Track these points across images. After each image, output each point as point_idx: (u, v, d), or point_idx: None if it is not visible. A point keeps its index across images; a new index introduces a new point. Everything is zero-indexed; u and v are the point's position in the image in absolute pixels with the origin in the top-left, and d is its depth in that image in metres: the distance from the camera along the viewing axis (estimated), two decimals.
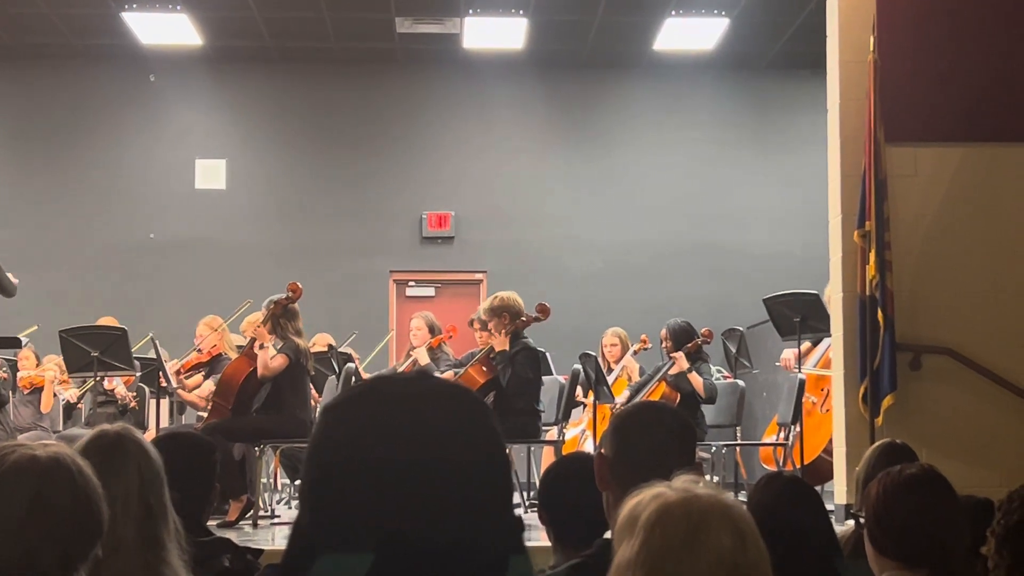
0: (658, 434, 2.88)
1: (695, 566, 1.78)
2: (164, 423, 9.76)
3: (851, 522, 3.77)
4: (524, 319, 8.64)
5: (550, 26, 13.56)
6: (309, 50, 14.36)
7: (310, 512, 1.38)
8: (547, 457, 9.91)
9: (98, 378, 9.40)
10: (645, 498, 1.86)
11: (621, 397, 9.47)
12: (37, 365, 10.67)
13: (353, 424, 1.38)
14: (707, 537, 1.79)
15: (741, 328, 10.90)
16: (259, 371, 8.20)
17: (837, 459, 7.51)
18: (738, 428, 9.78)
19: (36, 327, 10.61)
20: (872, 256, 7.02)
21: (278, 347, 8.25)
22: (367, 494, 1.33)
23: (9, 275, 8.78)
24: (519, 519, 1.43)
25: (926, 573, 2.88)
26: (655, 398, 8.93)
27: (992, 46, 7.52)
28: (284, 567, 1.42)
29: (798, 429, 8.72)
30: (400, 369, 10.09)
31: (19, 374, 10.49)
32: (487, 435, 1.41)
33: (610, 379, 9.82)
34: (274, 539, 7.30)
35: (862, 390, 7.12)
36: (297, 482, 10.15)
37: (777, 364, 9.78)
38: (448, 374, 8.57)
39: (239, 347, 9.40)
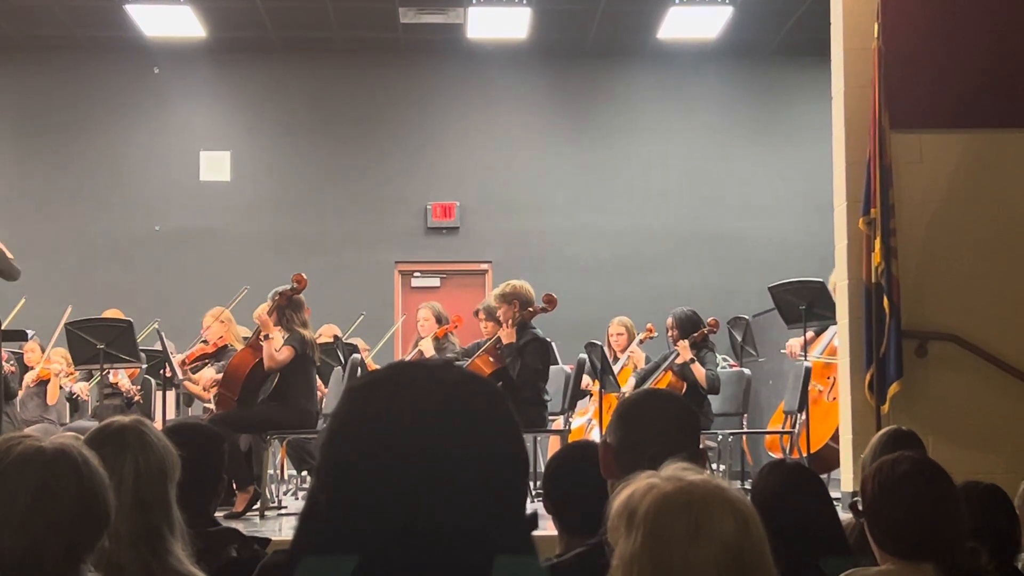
0: (662, 422, 2.88)
1: (701, 554, 1.78)
2: (170, 415, 9.77)
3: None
4: (532, 309, 8.65)
5: (553, 15, 13.55)
6: (313, 41, 14.35)
7: (329, 492, 1.38)
8: (553, 446, 9.91)
9: (104, 370, 9.41)
10: (638, 490, 1.86)
11: (627, 386, 9.47)
12: (42, 356, 10.67)
13: (377, 406, 1.38)
14: (710, 524, 1.79)
15: (747, 316, 10.89)
16: (265, 362, 8.21)
17: (843, 447, 7.51)
18: (744, 416, 9.77)
19: (24, 300, 10.60)
20: (877, 243, 7.01)
21: (284, 338, 8.26)
22: (387, 479, 1.33)
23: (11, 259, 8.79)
24: (534, 515, 1.43)
25: (932, 567, 2.88)
26: (662, 387, 8.93)
27: (996, 32, 7.50)
28: (296, 546, 1.41)
29: (804, 417, 8.72)
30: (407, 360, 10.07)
31: (27, 374, 10.49)
32: (508, 429, 1.41)
33: (616, 368, 9.82)
34: (281, 530, 7.32)
35: (868, 377, 7.11)
36: (304, 473, 10.17)
37: (782, 352, 9.78)
38: None
39: (245, 338, 9.41)
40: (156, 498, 2.77)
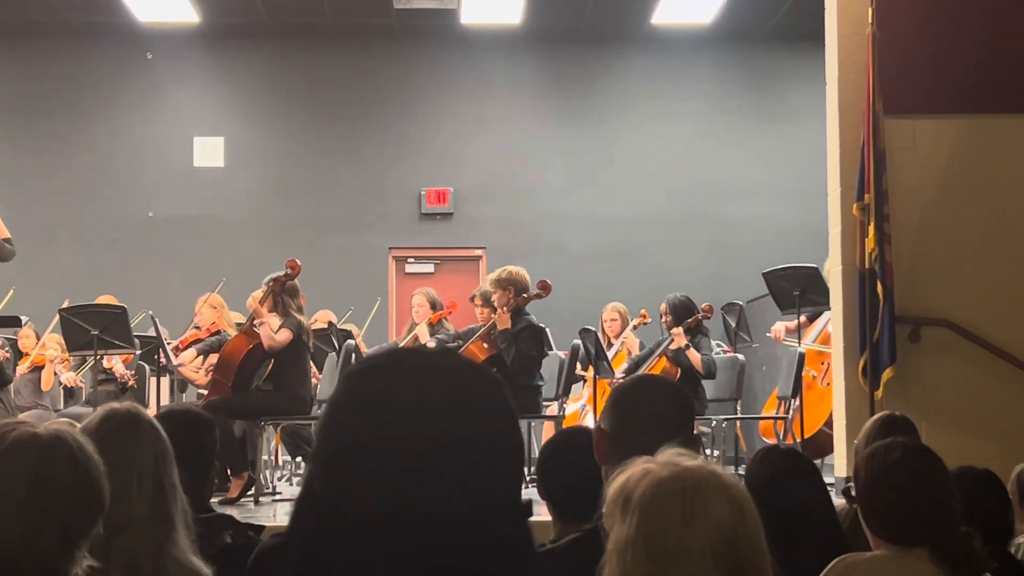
0: (656, 407, 2.87)
1: (695, 539, 1.79)
2: (164, 401, 9.77)
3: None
4: (527, 295, 8.65)
5: (547, 0, 13.52)
6: (306, 26, 14.32)
7: (323, 477, 1.38)
8: (547, 432, 9.92)
9: (98, 356, 9.40)
10: (633, 475, 1.86)
11: (620, 370, 9.48)
12: (36, 342, 10.67)
13: (375, 392, 1.38)
14: (705, 510, 1.80)
15: (741, 302, 10.90)
16: (265, 345, 8.19)
17: (837, 432, 7.53)
18: (738, 402, 9.79)
19: (12, 291, 10.60)
20: (871, 229, 7.01)
21: (280, 323, 8.25)
22: (383, 465, 1.33)
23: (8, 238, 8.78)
24: (528, 502, 1.43)
25: (926, 552, 2.88)
26: (656, 373, 8.94)
27: (990, 18, 7.50)
28: (292, 532, 1.41)
29: (798, 403, 8.73)
30: (401, 345, 10.07)
31: (21, 361, 10.48)
32: (505, 416, 1.41)
33: (610, 354, 9.82)
34: (275, 516, 7.32)
35: (862, 363, 7.12)
36: (298, 459, 10.17)
37: (769, 336, 9.80)
38: None
39: (238, 324, 9.40)
40: (171, 483, 2.79)
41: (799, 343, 8.99)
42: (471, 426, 1.36)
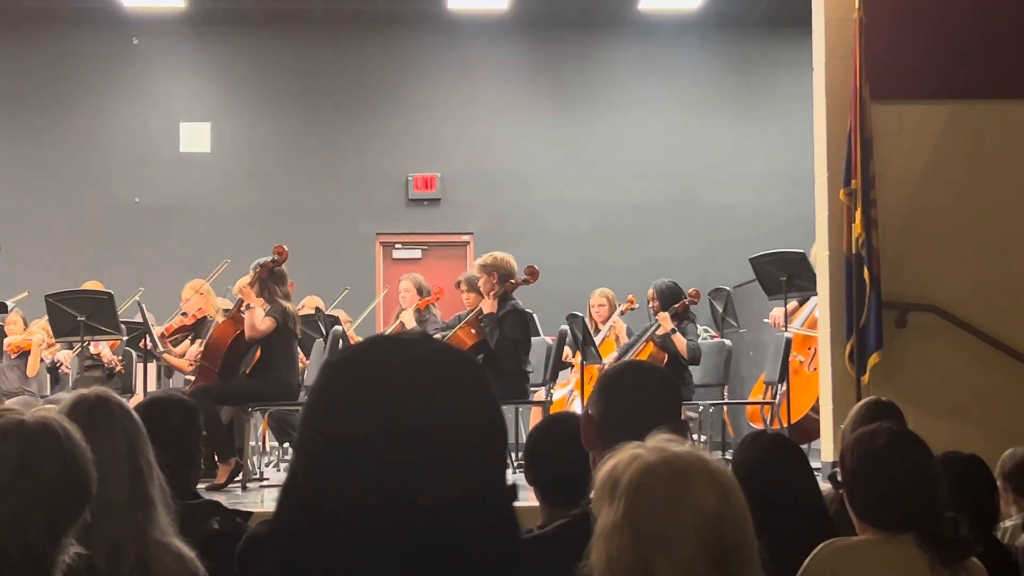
0: (644, 393, 2.87)
1: (682, 525, 1.79)
2: (151, 387, 9.75)
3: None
4: (514, 281, 8.64)
5: None
6: (293, 12, 14.28)
7: (305, 468, 1.38)
8: (535, 418, 9.93)
9: (85, 342, 9.37)
10: (622, 461, 1.87)
11: (609, 358, 9.48)
12: (24, 329, 10.64)
13: (354, 381, 1.38)
14: (691, 495, 1.80)
15: (728, 287, 10.90)
16: (247, 332, 8.18)
17: (824, 417, 7.54)
18: (725, 387, 9.80)
19: (27, 293, 10.59)
20: (858, 214, 7.02)
21: (266, 310, 8.23)
22: (363, 453, 1.33)
23: None
24: (513, 487, 1.43)
25: (912, 537, 2.89)
26: (643, 358, 8.94)
27: (978, 3, 7.50)
28: (276, 522, 1.41)
29: (785, 388, 8.75)
30: (388, 332, 10.06)
31: (7, 340, 10.46)
32: (485, 400, 1.40)
33: (597, 340, 9.83)
34: (263, 502, 7.31)
35: (848, 348, 7.13)
36: (286, 445, 10.17)
37: (765, 321, 9.80)
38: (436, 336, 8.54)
39: (225, 310, 9.38)
40: (147, 463, 2.79)
41: (786, 327, 9.00)
42: (451, 412, 1.36)
